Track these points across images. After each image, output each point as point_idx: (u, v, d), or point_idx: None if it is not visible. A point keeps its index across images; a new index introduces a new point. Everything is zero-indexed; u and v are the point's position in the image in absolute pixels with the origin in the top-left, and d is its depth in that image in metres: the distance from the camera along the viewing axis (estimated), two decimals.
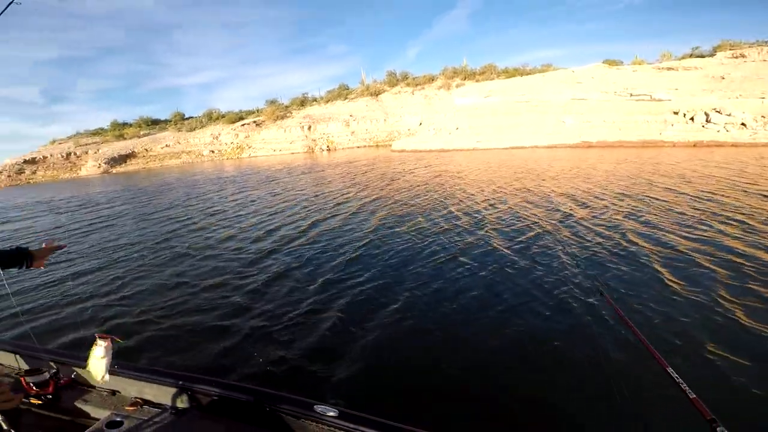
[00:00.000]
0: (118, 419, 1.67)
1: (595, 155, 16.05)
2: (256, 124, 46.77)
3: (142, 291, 5.58)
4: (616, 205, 7.94)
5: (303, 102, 50.61)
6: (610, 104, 20.32)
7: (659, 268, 4.69)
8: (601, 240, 5.88)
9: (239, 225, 9.28)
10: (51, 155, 45.55)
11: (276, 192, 14.30)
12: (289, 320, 4.27)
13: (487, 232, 6.87)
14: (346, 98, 48.37)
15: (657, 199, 8.08)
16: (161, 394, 1.77)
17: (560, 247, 5.68)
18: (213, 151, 45.70)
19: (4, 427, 1.26)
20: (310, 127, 42.88)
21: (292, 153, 40.19)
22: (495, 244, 6.14)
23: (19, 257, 1.37)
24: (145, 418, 1.71)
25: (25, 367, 2.10)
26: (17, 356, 2.15)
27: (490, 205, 8.95)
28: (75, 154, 45.91)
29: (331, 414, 1.45)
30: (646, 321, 3.61)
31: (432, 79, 47.87)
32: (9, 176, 43.29)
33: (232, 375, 3.38)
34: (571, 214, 7.43)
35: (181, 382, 1.77)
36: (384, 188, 12.78)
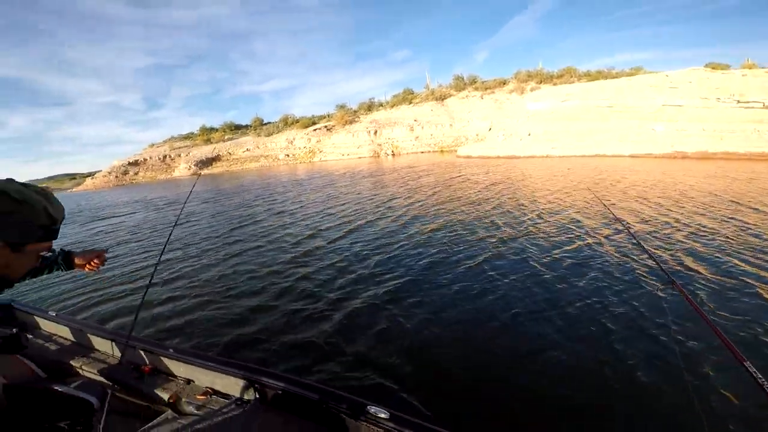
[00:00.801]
0: (190, 407, 1.84)
1: (688, 167, 14.37)
2: (327, 129, 48.94)
3: (209, 278, 6.27)
4: (684, 223, 7.11)
5: (370, 107, 51.92)
6: (712, 112, 17.98)
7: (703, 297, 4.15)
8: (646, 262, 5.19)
9: (299, 223, 10.00)
10: (150, 158, 52.03)
11: (333, 195, 14.90)
12: (325, 317, 4.49)
13: (523, 242, 6.64)
14: (410, 102, 48.69)
15: (739, 221, 7.10)
16: (230, 385, 1.88)
17: (598, 264, 5.34)
18: (288, 155, 48.74)
19: (96, 405, 1.44)
20: (376, 132, 43.86)
21: (359, 157, 41.35)
22: (528, 255, 5.91)
23: (59, 260, 1.38)
24: (214, 407, 1.84)
25: (118, 354, 2.33)
26: (113, 343, 2.37)
27: (539, 215, 8.49)
28: (170, 156, 51.92)
29: (383, 416, 1.50)
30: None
31: (503, 82, 46.34)
32: (116, 177, 50.34)
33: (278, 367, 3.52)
34: (622, 230, 6.77)
35: (248, 375, 1.87)
36: (435, 194, 12.64)
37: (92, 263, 1.39)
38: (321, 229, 9.20)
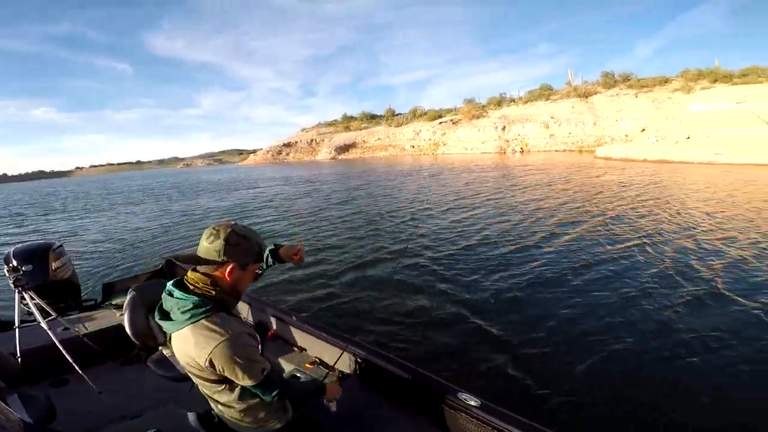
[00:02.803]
0: (298, 374, 1.94)
1: None
2: (453, 122, 49.57)
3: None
4: None
5: (500, 102, 50.47)
6: None
7: None
8: None
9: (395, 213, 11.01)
10: (300, 141, 60.63)
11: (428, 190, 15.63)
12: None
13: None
14: (547, 99, 45.67)
15: None
16: (335, 357, 1.90)
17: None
18: (413, 146, 51.13)
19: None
20: (504, 128, 42.74)
21: (483, 153, 40.96)
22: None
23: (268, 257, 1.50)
24: (316, 375, 1.93)
25: (250, 319, 2.68)
26: (250, 307, 2.68)
27: (647, 235, 6.81)
28: (315, 141, 59.63)
29: (473, 403, 1.50)
30: None
31: (665, 81, 39.92)
32: (272, 155, 60.19)
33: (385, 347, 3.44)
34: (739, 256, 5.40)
35: (353, 349, 1.97)
36: (523, 194, 12.10)
37: (294, 257, 1.48)
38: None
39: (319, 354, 2.23)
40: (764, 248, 5.80)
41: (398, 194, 14.99)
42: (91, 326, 2.71)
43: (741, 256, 5.56)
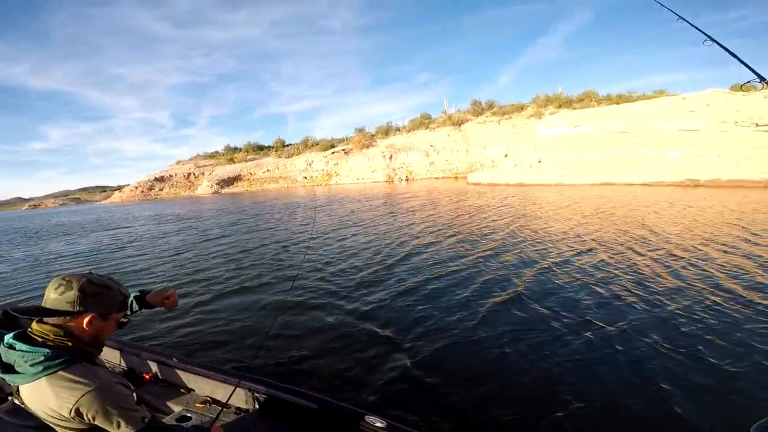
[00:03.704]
0: (188, 415, 1.84)
1: (699, 195, 13.52)
2: (345, 152, 49.89)
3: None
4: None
5: (387, 131, 52.63)
6: (729, 136, 16.97)
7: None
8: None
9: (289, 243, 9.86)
10: (175, 174, 54.42)
11: (329, 220, 14.93)
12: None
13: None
14: (427, 127, 49.07)
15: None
16: (228, 394, 1.87)
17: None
18: (306, 177, 49.85)
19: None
20: (391, 157, 44.28)
21: (374, 182, 41.66)
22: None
23: (133, 303, 1.48)
24: (212, 415, 1.83)
25: (123, 365, 2.44)
26: (121, 353, 2.46)
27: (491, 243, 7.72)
28: (194, 174, 54.16)
29: (380, 425, 1.51)
30: None
31: (521, 107, 46.13)
32: (142, 191, 52.79)
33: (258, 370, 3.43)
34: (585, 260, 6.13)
35: (248, 384, 1.90)
36: (410, 222, 12.41)
37: (165, 301, 1.52)
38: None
39: (210, 393, 2.03)
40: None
41: (282, 226, 13.59)
42: None
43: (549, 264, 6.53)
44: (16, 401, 1.75)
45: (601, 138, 23.47)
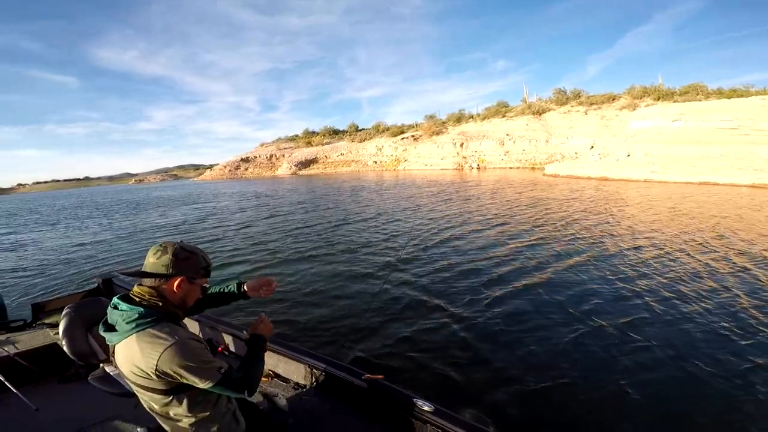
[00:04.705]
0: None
1: None
2: (414, 138, 49.87)
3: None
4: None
5: (459, 118, 51.26)
6: None
7: None
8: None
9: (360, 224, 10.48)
10: (258, 156, 59.05)
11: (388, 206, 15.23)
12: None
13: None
14: (504, 116, 46.78)
15: None
16: (290, 369, 2.02)
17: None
18: (376, 162, 50.94)
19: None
20: (462, 144, 43.25)
21: (442, 169, 41.15)
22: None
23: (233, 291, 1.61)
24: (272, 388, 2.00)
25: (201, 336, 2.55)
26: (200, 324, 2.64)
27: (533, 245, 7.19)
28: (275, 156, 58.29)
29: (427, 408, 1.55)
30: None
31: (613, 98, 41.81)
32: (230, 170, 58.21)
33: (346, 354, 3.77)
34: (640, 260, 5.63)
35: (308, 360, 2.01)
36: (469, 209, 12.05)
37: (263, 290, 1.58)
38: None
39: (273, 367, 2.18)
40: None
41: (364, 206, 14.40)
42: (22, 346, 2.61)
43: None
44: (107, 369, 2.00)
45: (704, 134, 20.56)
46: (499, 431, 2.69)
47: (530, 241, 8.09)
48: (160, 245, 1.23)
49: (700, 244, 7.39)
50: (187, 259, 1.23)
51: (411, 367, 3.51)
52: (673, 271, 5.86)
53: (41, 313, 3.12)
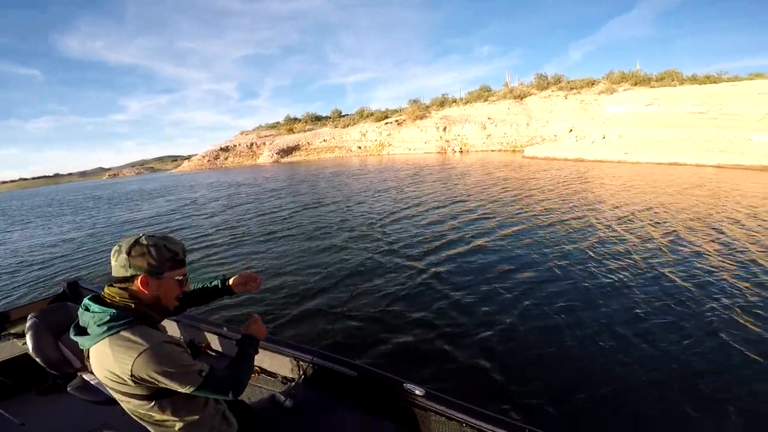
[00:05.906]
0: None
1: None
2: (398, 123, 49.84)
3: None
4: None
5: (442, 102, 51.44)
6: None
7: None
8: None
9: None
10: (239, 144, 58.00)
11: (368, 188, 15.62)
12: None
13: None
14: (486, 100, 47.19)
15: None
16: (276, 363, 1.97)
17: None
18: (360, 147, 50.79)
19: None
20: (445, 128, 43.57)
21: (425, 153, 41.53)
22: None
23: (218, 287, 1.54)
24: (260, 385, 1.98)
25: (182, 337, 2.51)
26: (178, 324, 2.57)
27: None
28: (256, 144, 57.35)
29: (418, 392, 1.55)
30: None
31: (592, 83, 42.57)
32: (209, 160, 57.15)
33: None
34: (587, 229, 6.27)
35: (293, 353, 1.97)
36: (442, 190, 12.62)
37: (251, 285, 1.54)
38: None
39: (259, 362, 2.14)
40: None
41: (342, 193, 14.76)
42: None
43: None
44: (85, 377, 1.93)
45: (675, 118, 21.47)
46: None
47: (478, 216, 9.38)
48: (118, 245, 1.14)
49: (625, 216, 8.54)
50: (144, 254, 1.12)
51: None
52: (590, 237, 7.15)
53: (6, 323, 2.90)
